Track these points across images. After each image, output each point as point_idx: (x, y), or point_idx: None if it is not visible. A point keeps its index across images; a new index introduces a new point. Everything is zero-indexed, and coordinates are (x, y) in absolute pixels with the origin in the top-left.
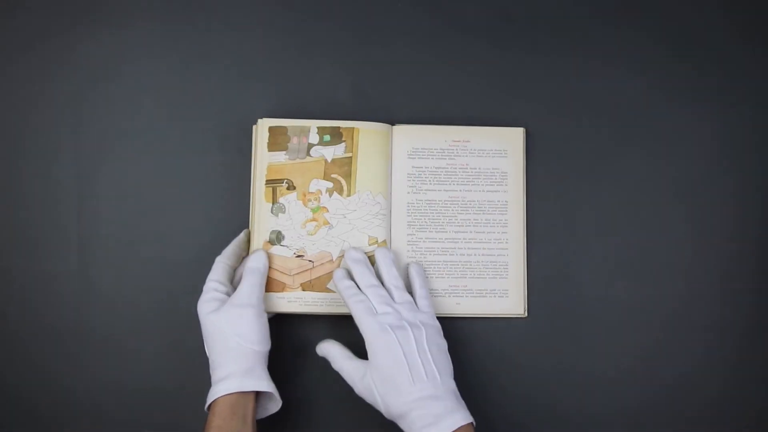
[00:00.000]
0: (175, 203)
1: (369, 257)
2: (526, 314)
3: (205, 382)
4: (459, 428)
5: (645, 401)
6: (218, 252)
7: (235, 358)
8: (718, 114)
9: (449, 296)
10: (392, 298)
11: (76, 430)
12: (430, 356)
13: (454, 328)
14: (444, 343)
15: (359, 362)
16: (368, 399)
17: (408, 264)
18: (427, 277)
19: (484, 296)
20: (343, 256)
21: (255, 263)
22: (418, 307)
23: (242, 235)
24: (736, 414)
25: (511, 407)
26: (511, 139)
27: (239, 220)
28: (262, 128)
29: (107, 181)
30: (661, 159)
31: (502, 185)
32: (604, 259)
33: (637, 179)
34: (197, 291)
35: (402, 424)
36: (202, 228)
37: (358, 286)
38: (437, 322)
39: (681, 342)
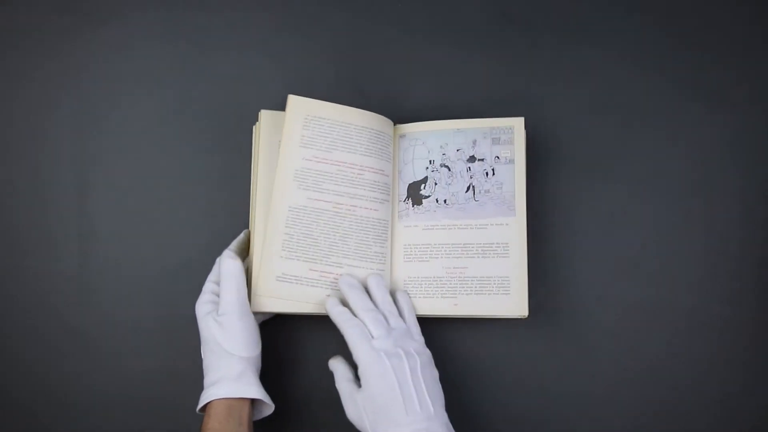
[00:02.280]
0: (175, 203)
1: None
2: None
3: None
4: None
5: (646, 401)
6: (218, 252)
7: (225, 364)
8: (721, 113)
9: (444, 297)
10: (387, 323)
11: (75, 428)
12: (423, 386)
13: (449, 330)
14: (436, 373)
15: (355, 387)
16: (357, 425)
17: (395, 291)
18: (414, 306)
19: (483, 294)
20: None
21: (225, 269)
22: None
23: (242, 235)
24: (738, 413)
25: (510, 407)
26: (512, 130)
27: (240, 219)
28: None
29: (107, 181)
30: (664, 158)
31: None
32: (604, 259)
33: (639, 178)
34: (197, 291)
35: None
36: (202, 228)
37: (352, 312)
38: (429, 351)
39: (682, 342)
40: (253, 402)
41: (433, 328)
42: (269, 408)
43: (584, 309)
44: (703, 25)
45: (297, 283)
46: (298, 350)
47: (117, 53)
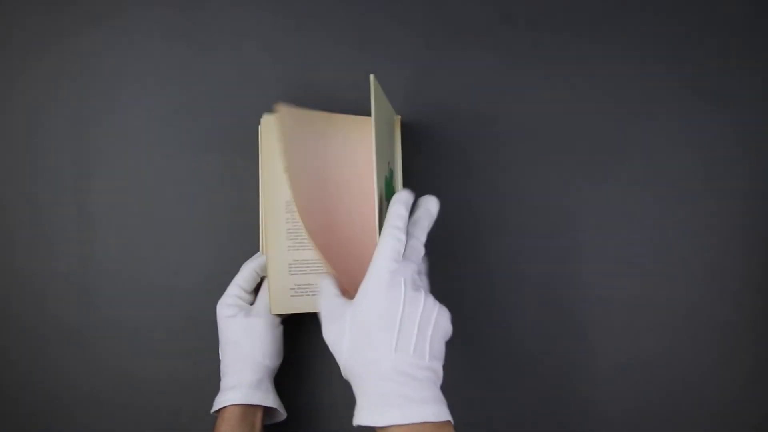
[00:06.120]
0: (176, 203)
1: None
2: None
3: (205, 380)
4: (429, 423)
5: (645, 401)
6: (218, 251)
7: (245, 368)
8: (723, 111)
9: None
10: (423, 262)
11: (75, 425)
12: (429, 334)
13: None
14: (449, 333)
15: (343, 301)
16: (332, 346)
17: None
18: None
19: None
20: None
21: None
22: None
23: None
24: (738, 414)
25: (512, 408)
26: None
27: (241, 219)
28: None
29: (107, 181)
30: (665, 157)
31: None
32: (604, 258)
33: (640, 177)
34: (197, 291)
35: (358, 390)
36: (203, 228)
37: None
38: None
39: (683, 341)
40: (266, 408)
41: None
42: (281, 416)
43: (585, 308)
44: (705, 24)
45: (312, 296)
46: (308, 353)
47: (118, 53)
